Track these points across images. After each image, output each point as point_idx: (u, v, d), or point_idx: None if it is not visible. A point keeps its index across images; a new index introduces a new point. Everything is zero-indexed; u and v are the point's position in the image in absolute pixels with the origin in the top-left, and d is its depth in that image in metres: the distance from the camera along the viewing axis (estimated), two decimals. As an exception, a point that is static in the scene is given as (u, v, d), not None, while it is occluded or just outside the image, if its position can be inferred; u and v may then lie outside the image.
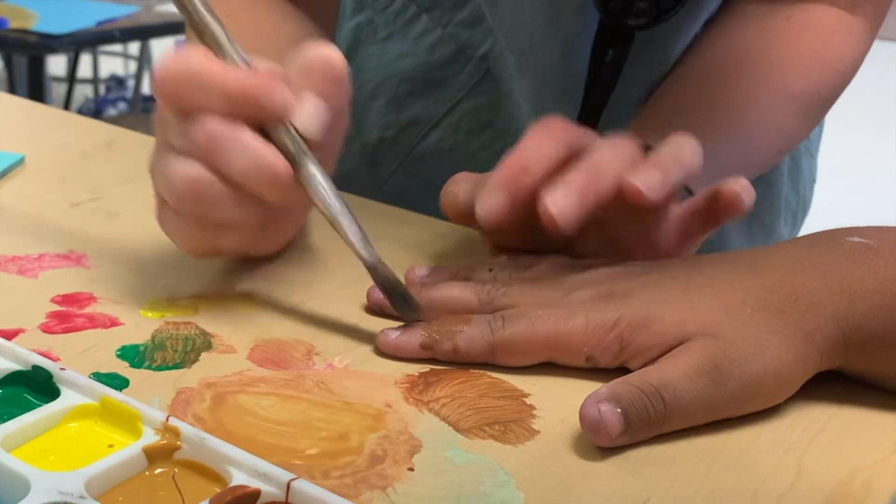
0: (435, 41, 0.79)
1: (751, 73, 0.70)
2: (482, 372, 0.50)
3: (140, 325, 0.52)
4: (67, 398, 0.43)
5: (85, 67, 3.90)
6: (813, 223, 0.54)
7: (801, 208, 0.90)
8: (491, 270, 0.55)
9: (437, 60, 0.80)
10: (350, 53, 0.82)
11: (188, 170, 0.49)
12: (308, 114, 0.49)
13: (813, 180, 0.92)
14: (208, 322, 0.53)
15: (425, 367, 0.50)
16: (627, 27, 0.71)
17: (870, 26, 0.73)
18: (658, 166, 0.52)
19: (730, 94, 0.69)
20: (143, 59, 3.81)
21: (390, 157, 0.82)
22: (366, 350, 0.51)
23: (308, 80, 0.49)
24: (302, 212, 0.57)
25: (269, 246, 0.57)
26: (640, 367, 0.47)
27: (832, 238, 0.50)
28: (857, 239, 0.49)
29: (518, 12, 0.74)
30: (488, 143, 0.81)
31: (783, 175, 0.86)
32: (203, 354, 0.50)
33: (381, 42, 0.81)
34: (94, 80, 4.15)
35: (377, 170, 0.83)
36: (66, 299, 0.54)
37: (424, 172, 0.81)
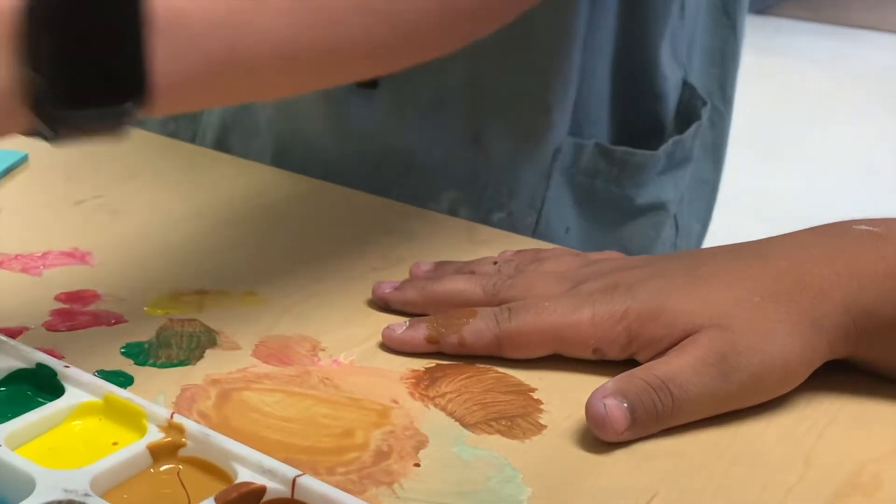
0: None
1: None
2: (488, 367, 0.49)
3: (144, 323, 0.52)
4: (72, 396, 0.43)
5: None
6: (815, 218, 0.53)
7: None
8: (496, 263, 0.55)
9: None
10: None
11: None
12: None
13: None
14: (213, 319, 0.52)
15: (431, 363, 0.50)
16: None
17: None
18: None
19: None
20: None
21: None
22: (371, 346, 0.51)
23: None
24: None
25: None
26: (649, 359, 0.47)
27: (839, 227, 0.50)
28: (864, 227, 0.49)
29: None
30: None
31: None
32: (208, 351, 0.50)
33: None
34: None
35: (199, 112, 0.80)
36: (71, 297, 0.54)
37: (244, 112, 0.79)
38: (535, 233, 0.73)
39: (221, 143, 0.79)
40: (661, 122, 0.77)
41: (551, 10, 0.68)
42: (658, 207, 0.77)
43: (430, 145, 0.72)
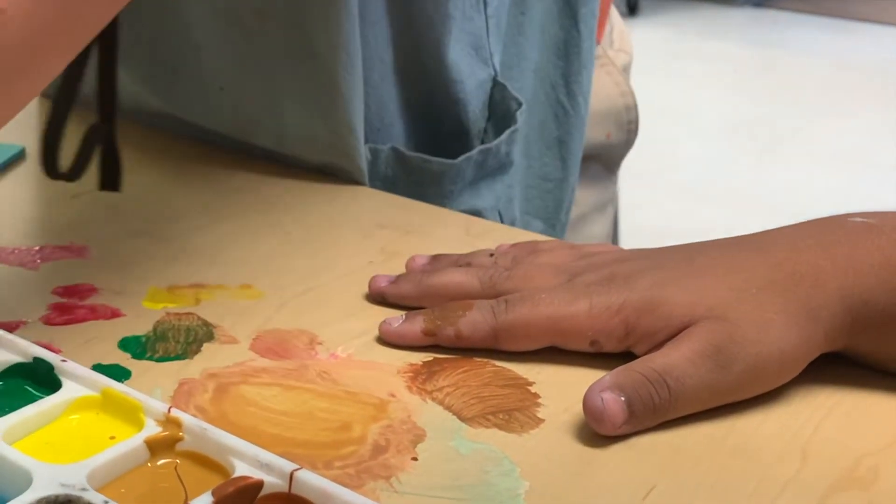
0: None
1: None
2: (486, 360, 0.49)
3: (141, 316, 0.52)
4: (69, 390, 0.43)
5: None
6: (815, 211, 0.54)
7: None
8: (492, 256, 0.55)
9: None
10: None
11: None
12: None
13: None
14: (210, 312, 0.52)
15: (429, 356, 0.49)
16: None
17: None
18: None
19: None
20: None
21: None
22: (368, 339, 0.51)
23: None
24: None
25: None
26: (646, 352, 0.47)
27: (834, 219, 0.50)
28: (859, 219, 0.49)
29: None
30: None
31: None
32: (205, 345, 0.50)
33: None
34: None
35: None
36: (68, 291, 0.54)
37: None
38: None
39: None
40: (465, 127, 0.73)
41: (328, 34, 0.65)
42: (473, 214, 0.73)
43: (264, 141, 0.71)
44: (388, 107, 0.71)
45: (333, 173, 0.69)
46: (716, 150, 3.10)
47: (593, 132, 0.86)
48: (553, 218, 0.82)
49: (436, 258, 0.57)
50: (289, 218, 0.64)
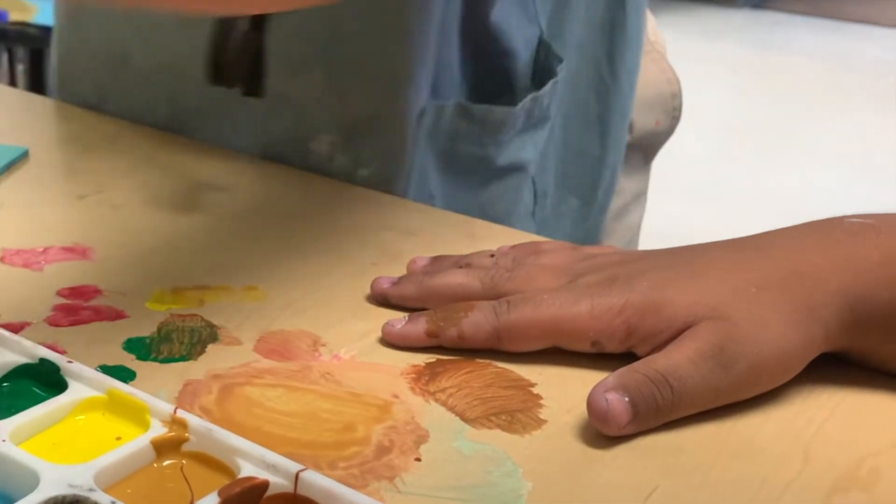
0: None
1: None
2: (488, 362, 0.50)
3: (146, 318, 0.52)
4: (75, 391, 0.43)
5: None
6: (813, 212, 0.54)
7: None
8: (493, 256, 0.56)
9: None
10: None
11: None
12: None
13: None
14: (214, 314, 0.53)
15: (431, 358, 0.50)
16: None
17: None
18: None
19: None
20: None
21: None
22: (371, 341, 0.51)
23: None
24: None
25: None
26: (648, 352, 0.47)
27: (833, 221, 0.50)
28: (857, 220, 0.49)
29: None
30: None
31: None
32: (209, 346, 0.50)
33: None
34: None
35: None
36: (73, 292, 0.54)
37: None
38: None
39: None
40: (512, 80, 0.74)
41: None
42: (517, 168, 0.75)
43: (301, 93, 0.72)
44: (456, 59, 0.72)
45: (372, 129, 0.69)
46: (714, 152, 3.11)
47: (643, 120, 0.87)
48: (590, 196, 0.83)
49: (437, 259, 0.57)
50: (292, 220, 0.64)
